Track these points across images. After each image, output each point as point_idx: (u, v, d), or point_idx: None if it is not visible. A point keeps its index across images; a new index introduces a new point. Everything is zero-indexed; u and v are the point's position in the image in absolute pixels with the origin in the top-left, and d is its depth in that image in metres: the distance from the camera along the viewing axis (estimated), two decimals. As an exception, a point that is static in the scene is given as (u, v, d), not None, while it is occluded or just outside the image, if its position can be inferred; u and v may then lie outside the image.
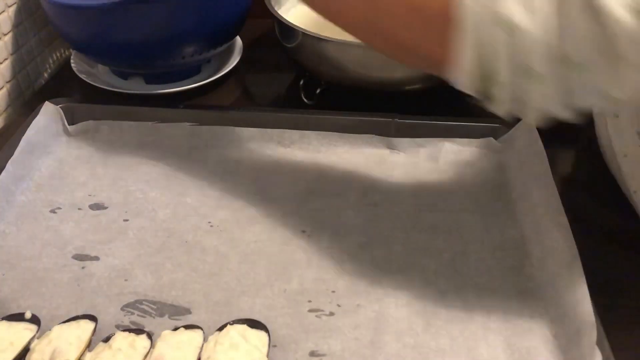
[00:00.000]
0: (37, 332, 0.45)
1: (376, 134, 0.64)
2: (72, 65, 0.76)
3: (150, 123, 0.66)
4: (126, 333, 0.45)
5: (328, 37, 0.65)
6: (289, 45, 0.70)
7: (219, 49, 0.75)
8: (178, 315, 0.48)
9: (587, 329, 0.42)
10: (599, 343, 0.41)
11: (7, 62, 0.73)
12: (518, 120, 0.62)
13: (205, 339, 0.45)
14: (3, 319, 0.46)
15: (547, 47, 0.35)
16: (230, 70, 0.77)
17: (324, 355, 0.44)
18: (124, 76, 0.77)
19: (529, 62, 0.35)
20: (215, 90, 0.76)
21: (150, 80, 0.75)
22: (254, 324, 0.46)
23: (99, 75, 0.77)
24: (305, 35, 0.66)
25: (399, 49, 0.43)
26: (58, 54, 0.84)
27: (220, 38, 0.74)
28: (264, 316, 0.47)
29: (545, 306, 0.47)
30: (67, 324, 0.46)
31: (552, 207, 0.52)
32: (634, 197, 0.50)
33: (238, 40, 0.81)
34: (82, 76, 0.75)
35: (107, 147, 0.65)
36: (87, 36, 0.70)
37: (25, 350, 0.44)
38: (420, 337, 0.45)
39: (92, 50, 0.72)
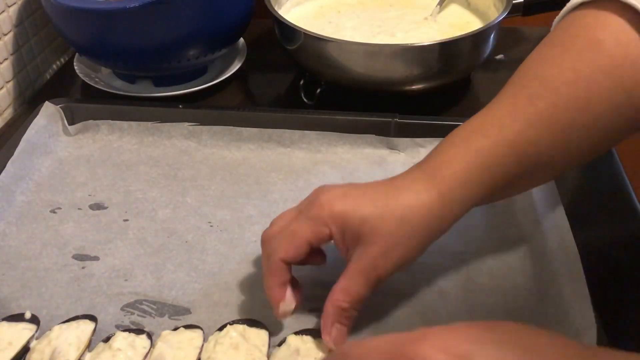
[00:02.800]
0: (36, 331, 0.45)
1: (376, 134, 0.64)
2: (75, 67, 0.76)
3: (150, 123, 0.66)
4: (126, 333, 0.45)
5: (328, 37, 0.65)
6: (289, 46, 0.70)
7: (224, 51, 0.75)
8: (178, 315, 0.48)
9: (587, 328, 0.42)
10: (598, 343, 0.41)
11: (7, 62, 0.73)
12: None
13: (205, 339, 0.45)
14: (3, 319, 0.46)
15: None
16: (234, 72, 0.77)
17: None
18: (130, 79, 0.77)
19: None
20: (219, 93, 0.76)
21: (159, 82, 0.75)
22: (254, 323, 0.46)
23: (102, 78, 0.77)
24: (306, 35, 0.66)
25: None
26: (59, 55, 0.84)
27: (225, 40, 0.74)
28: (263, 316, 0.47)
29: (545, 306, 0.47)
30: (66, 324, 0.46)
31: (552, 207, 0.52)
32: None
33: (241, 40, 0.82)
34: (86, 79, 0.75)
35: (107, 147, 0.65)
36: (92, 39, 0.69)
37: (25, 349, 0.44)
38: (420, 337, 0.45)
39: (96, 53, 0.72)
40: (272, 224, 0.46)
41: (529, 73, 0.45)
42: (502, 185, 0.43)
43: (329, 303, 0.43)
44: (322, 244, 0.44)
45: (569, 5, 0.46)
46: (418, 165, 0.45)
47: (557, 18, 0.48)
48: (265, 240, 0.45)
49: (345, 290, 0.43)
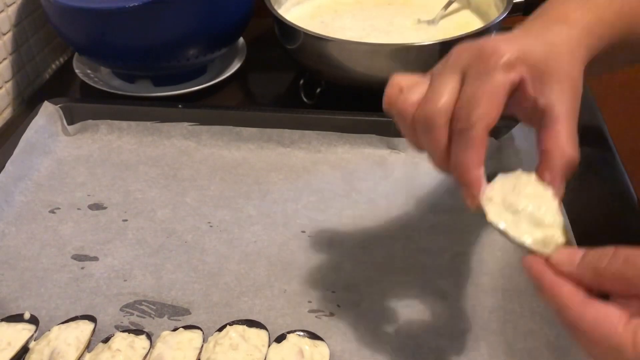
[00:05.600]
0: (35, 332, 0.45)
1: (376, 134, 0.64)
2: (75, 67, 0.76)
3: (149, 123, 0.66)
4: (125, 334, 0.45)
5: (328, 37, 0.65)
6: (289, 45, 0.70)
7: (223, 50, 0.75)
8: (177, 315, 0.47)
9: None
10: (600, 344, 0.41)
11: (6, 62, 0.73)
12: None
13: (204, 340, 0.45)
14: (2, 320, 0.46)
15: None
16: (234, 72, 0.77)
17: (324, 355, 0.44)
18: (129, 79, 0.76)
19: None
20: (218, 92, 0.76)
21: (158, 82, 0.75)
22: (253, 323, 0.46)
23: (102, 78, 0.77)
24: (306, 35, 0.66)
25: None
26: (58, 54, 0.84)
27: (225, 39, 0.74)
28: (263, 317, 0.47)
29: (546, 307, 0.47)
30: (66, 324, 0.45)
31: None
32: None
33: (241, 40, 0.81)
34: (85, 78, 0.74)
35: (106, 147, 0.65)
36: (92, 39, 0.69)
37: (24, 350, 0.44)
38: (421, 338, 0.45)
39: (95, 53, 0.72)
40: (418, 101, 0.39)
41: None
42: (608, 47, 0.43)
43: (558, 155, 0.37)
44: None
45: None
46: (540, 16, 0.43)
47: None
48: (436, 121, 0.37)
49: (570, 135, 0.38)
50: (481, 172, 0.38)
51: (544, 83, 0.38)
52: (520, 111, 0.40)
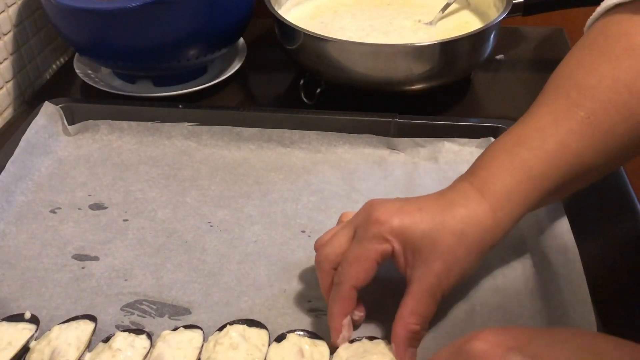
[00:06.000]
0: (35, 331, 0.45)
1: (376, 134, 0.64)
2: (75, 67, 0.76)
3: (150, 123, 0.66)
4: (126, 333, 0.45)
5: (328, 37, 0.65)
6: (289, 46, 0.70)
7: (223, 50, 0.75)
8: (178, 315, 0.48)
9: (587, 328, 0.42)
10: (599, 343, 0.41)
11: (7, 62, 0.73)
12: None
13: (205, 339, 0.45)
14: (3, 319, 0.46)
15: None
16: (234, 72, 0.77)
17: (323, 355, 0.44)
18: (130, 79, 0.77)
19: None
20: (219, 92, 0.76)
21: (159, 82, 0.75)
22: (254, 323, 0.46)
23: (102, 78, 0.77)
24: (306, 35, 0.66)
25: None
26: (59, 54, 0.84)
27: (225, 40, 0.74)
28: (263, 316, 0.47)
29: (545, 306, 0.47)
30: (66, 324, 0.45)
31: (552, 207, 0.52)
32: None
33: (241, 40, 0.82)
34: (85, 79, 0.75)
35: (106, 147, 0.65)
36: (92, 39, 0.69)
37: (24, 350, 0.44)
38: (420, 337, 0.45)
39: (96, 53, 0.72)
40: (322, 245, 0.45)
41: (567, 81, 0.45)
42: (547, 195, 0.44)
43: (399, 327, 0.42)
44: (385, 261, 0.43)
45: (603, 6, 0.46)
46: (465, 178, 0.45)
47: (592, 19, 0.48)
48: (323, 265, 0.44)
49: (415, 312, 0.42)
50: (345, 322, 0.43)
51: (414, 258, 0.42)
52: (401, 271, 0.44)
